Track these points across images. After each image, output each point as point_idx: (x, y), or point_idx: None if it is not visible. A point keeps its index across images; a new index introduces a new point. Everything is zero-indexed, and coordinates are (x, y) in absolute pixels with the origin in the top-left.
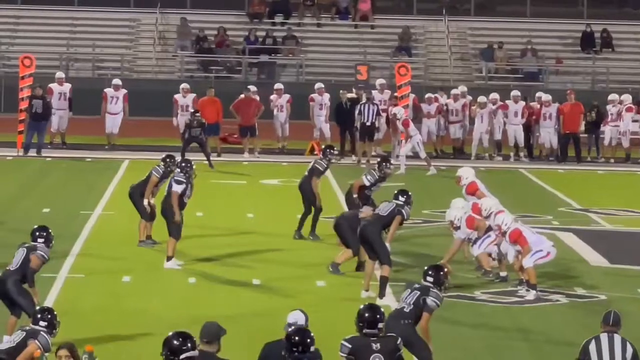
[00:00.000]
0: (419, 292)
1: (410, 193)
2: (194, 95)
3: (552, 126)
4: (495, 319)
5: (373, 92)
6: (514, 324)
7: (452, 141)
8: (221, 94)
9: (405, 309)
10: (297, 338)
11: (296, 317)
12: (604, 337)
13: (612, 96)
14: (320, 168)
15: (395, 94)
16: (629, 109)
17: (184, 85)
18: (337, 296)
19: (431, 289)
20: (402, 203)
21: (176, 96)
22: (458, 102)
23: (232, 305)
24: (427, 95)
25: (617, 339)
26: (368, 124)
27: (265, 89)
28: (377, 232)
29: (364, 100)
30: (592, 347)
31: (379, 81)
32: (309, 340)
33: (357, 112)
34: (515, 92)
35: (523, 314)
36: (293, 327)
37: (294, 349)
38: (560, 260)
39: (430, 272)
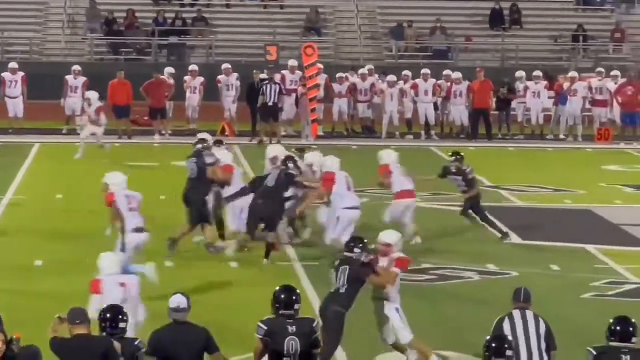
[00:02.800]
0: (347, 267)
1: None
2: (85, 78)
3: (463, 104)
4: (406, 298)
5: (284, 72)
6: (425, 302)
7: (360, 120)
8: (131, 77)
9: (340, 291)
10: (108, 315)
11: (178, 301)
12: (517, 314)
13: (520, 73)
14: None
15: (304, 74)
16: (546, 86)
17: (75, 67)
18: (250, 278)
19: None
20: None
21: (67, 77)
22: (367, 82)
23: (144, 288)
24: (337, 75)
25: (530, 315)
26: (270, 104)
27: (176, 70)
28: (277, 204)
29: (267, 80)
30: (507, 325)
31: (291, 62)
32: (120, 316)
33: (260, 92)
34: (425, 71)
35: (435, 292)
36: (107, 307)
37: (104, 325)
38: (472, 238)
39: (352, 244)
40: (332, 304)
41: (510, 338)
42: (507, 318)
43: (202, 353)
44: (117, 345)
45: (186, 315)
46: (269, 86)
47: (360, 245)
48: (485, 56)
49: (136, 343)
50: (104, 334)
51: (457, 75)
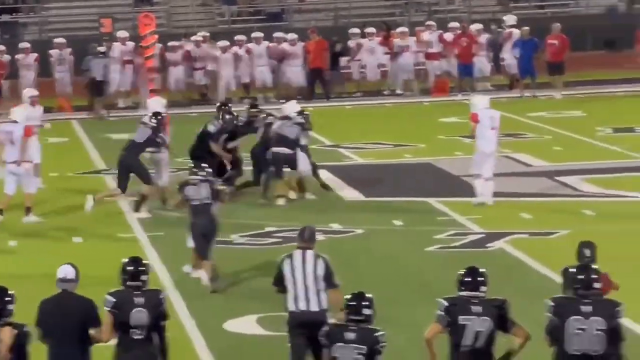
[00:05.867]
0: None
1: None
2: None
3: (299, 65)
4: (256, 262)
5: (115, 44)
6: (272, 266)
7: (197, 87)
8: None
9: None
10: None
11: (65, 272)
12: (297, 254)
13: (352, 30)
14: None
15: (141, 44)
16: (379, 42)
17: None
18: (95, 251)
19: None
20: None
21: None
22: (200, 49)
23: (51, 264)
24: (170, 43)
25: (310, 254)
26: (99, 78)
27: (10, 49)
28: (135, 157)
29: (90, 56)
30: (287, 265)
31: (120, 33)
32: (7, 298)
33: (82, 67)
34: (256, 34)
35: (281, 255)
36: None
37: None
38: (315, 198)
39: None
40: None
41: (289, 277)
42: (287, 258)
43: (85, 325)
44: (7, 330)
45: (74, 285)
46: (93, 60)
47: None
48: (318, 16)
49: (25, 329)
50: None
51: (292, 36)
